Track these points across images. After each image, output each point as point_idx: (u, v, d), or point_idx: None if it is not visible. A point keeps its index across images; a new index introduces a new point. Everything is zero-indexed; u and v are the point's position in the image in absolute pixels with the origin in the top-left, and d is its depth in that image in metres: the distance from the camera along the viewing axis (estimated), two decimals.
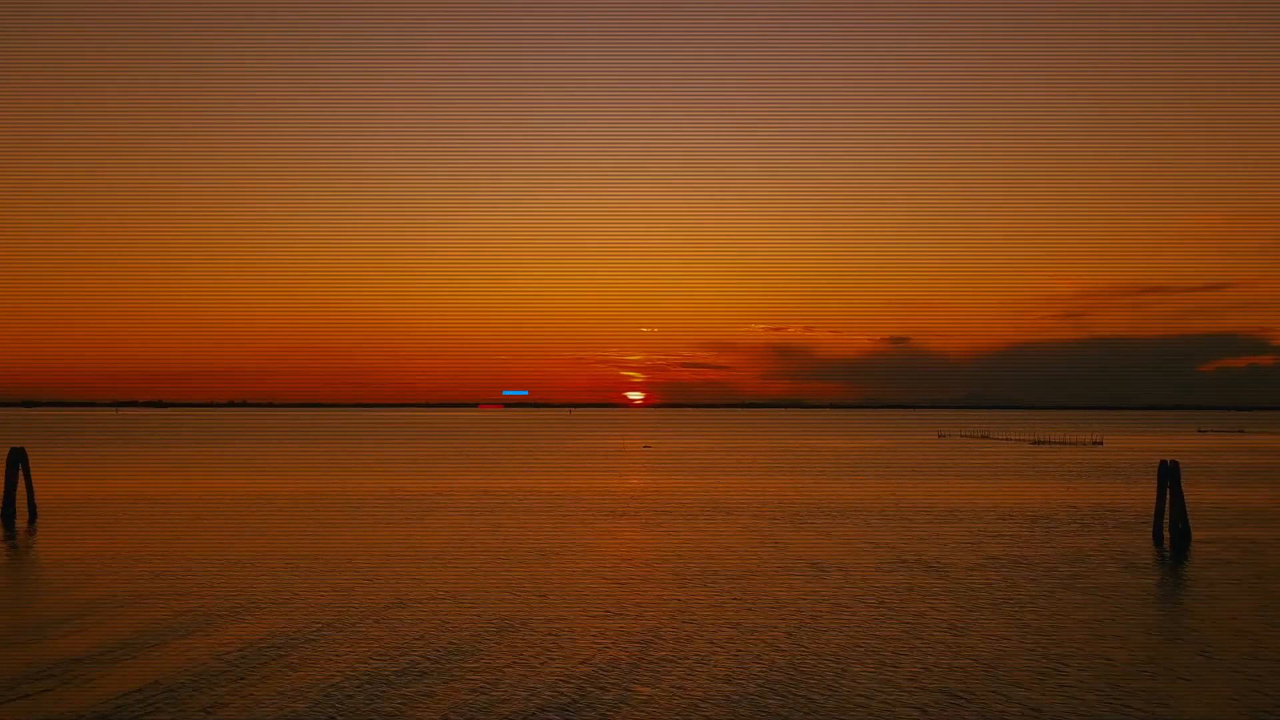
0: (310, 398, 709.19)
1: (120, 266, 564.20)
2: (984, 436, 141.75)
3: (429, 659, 18.15)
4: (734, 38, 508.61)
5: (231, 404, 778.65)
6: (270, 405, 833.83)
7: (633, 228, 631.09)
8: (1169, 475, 31.80)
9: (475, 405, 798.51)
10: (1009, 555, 30.61)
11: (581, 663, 17.90)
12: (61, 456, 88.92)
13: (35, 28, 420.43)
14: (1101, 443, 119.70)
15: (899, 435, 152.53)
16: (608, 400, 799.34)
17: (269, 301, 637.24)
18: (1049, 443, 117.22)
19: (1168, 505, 32.02)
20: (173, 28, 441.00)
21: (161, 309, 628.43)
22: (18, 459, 44.10)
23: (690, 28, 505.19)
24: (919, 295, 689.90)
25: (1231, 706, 15.52)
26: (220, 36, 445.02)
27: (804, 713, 15.03)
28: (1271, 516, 42.11)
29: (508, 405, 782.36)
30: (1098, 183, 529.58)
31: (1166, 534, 32.37)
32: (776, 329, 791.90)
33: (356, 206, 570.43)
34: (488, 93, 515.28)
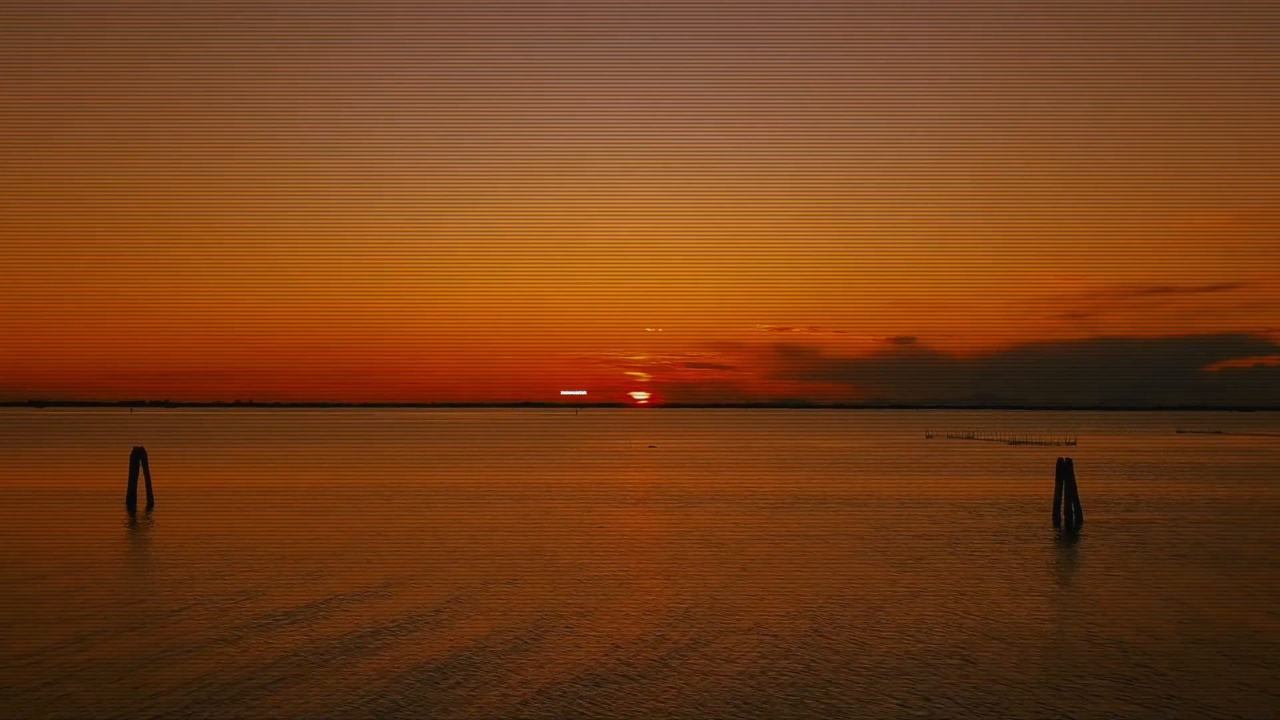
0: (315, 397, 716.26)
1: (125, 266, 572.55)
2: (969, 437, 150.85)
3: (535, 592, 27.30)
4: (739, 37, 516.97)
5: (238, 404, 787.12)
6: (276, 405, 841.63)
7: (637, 228, 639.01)
8: (1064, 471, 40.99)
9: (483, 405, 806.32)
10: (943, 529, 39.85)
11: (642, 593, 27.07)
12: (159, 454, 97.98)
13: (41, 27, 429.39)
14: (1075, 443, 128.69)
15: (890, 436, 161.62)
16: (612, 400, 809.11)
17: (274, 301, 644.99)
18: (1025, 443, 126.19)
19: (1064, 495, 41.18)
20: (179, 27, 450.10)
21: (166, 309, 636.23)
22: (138, 457, 53.22)
23: (696, 27, 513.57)
24: (924, 295, 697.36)
25: (1066, 615, 24.59)
26: (225, 37, 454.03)
27: (787, 619, 24.09)
28: (1157, 504, 51.30)
29: (514, 405, 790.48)
30: (1103, 183, 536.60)
31: (1063, 517, 41.44)
32: (781, 329, 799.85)
33: (362, 206, 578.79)
34: (493, 92, 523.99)
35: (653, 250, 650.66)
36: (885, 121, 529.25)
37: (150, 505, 49.83)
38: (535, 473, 73.61)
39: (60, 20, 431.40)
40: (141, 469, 52.82)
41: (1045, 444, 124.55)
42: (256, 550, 34.52)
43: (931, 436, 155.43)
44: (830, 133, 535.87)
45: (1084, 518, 42.82)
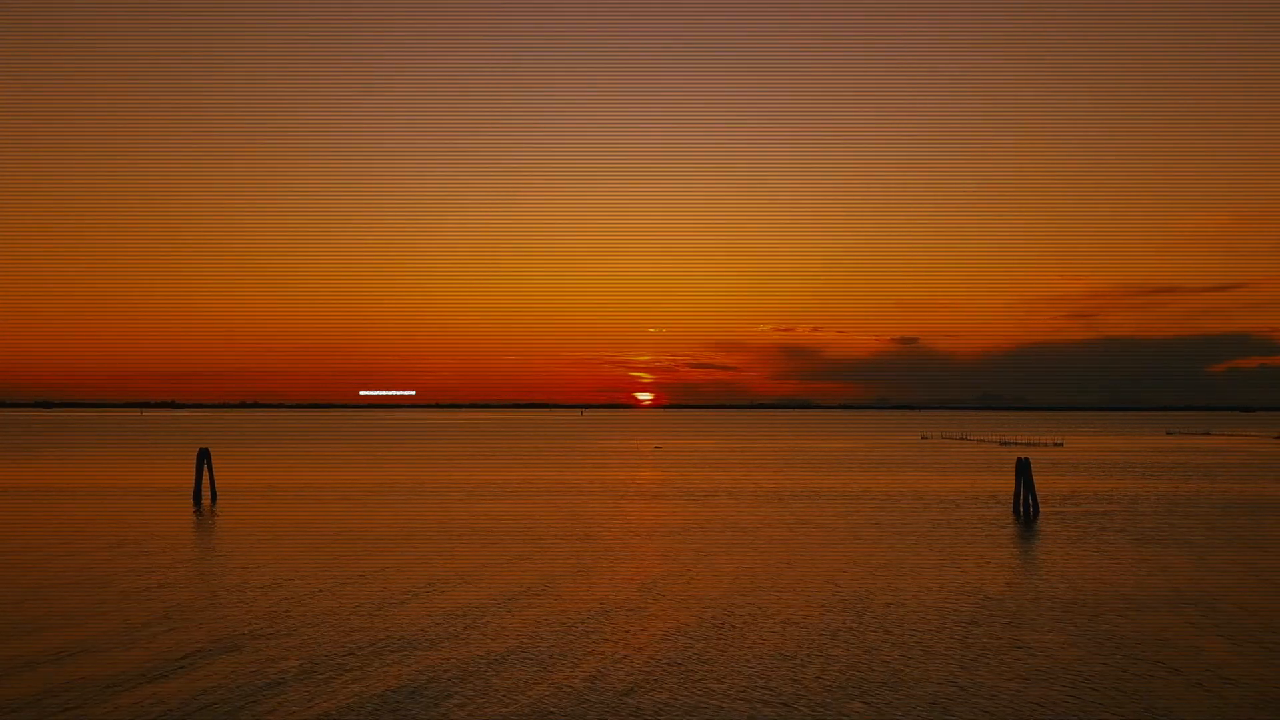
0: (319, 398, 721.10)
1: (128, 267, 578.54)
2: (962, 438, 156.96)
3: (596, 564, 33.45)
4: (742, 37, 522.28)
5: (243, 404, 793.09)
6: (281, 406, 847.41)
7: (641, 228, 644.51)
8: (1023, 469, 47.25)
9: (488, 406, 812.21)
10: (924, 518, 46.06)
11: (686, 565, 33.33)
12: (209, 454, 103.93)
13: (44, 29, 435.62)
14: (1062, 444, 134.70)
15: (888, 436, 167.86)
16: (616, 401, 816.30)
17: (276, 302, 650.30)
18: (1014, 444, 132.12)
19: (1022, 489, 47.39)
20: (181, 28, 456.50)
21: (169, 310, 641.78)
22: (203, 457, 59.38)
23: (699, 27, 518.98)
24: (927, 296, 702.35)
25: (1014, 578, 30.72)
26: (227, 38, 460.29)
27: (803, 582, 30.18)
28: (1116, 498, 57.40)
29: (519, 406, 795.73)
30: (1107, 182, 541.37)
31: (1022, 509, 47.63)
32: (785, 329, 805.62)
33: (365, 207, 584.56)
34: (497, 92, 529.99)
35: (656, 251, 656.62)
36: (888, 122, 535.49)
37: (214, 499, 55.85)
38: (555, 470, 79.93)
39: (64, 22, 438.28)
40: (206, 467, 59.11)
41: (1034, 444, 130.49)
42: (342, 536, 40.65)
43: (926, 438, 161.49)
44: (833, 133, 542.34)
45: (1040, 509, 48.97)
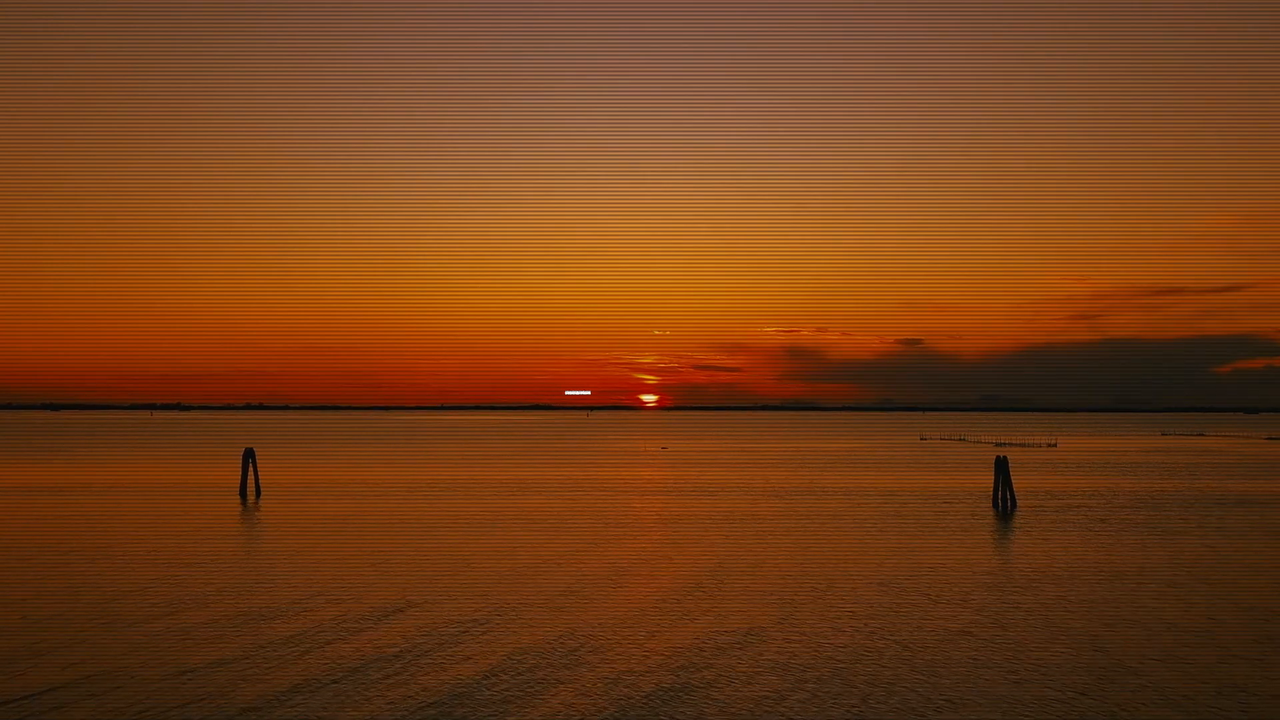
0: (324, 400, 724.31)
1: (129, 268, 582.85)
2: (960, 439, 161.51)
3: (636, 547, 38.17)
4: (745, 37, 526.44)
5: (248, 406, 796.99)
6: (287, 408, 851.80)
7: (645, 229, 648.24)
8: (1001, 466, 51.98)
9: (493, 408, 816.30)
10: (916, 512, 50.66)
11: (720, 546, 37.99)
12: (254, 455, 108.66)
13: (47, 29, 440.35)
14: (1056, 444, 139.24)
15: (888, 438, 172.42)
16: (621, 402, 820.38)
17: (280, 304, 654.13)
18: (1009, 445, 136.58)
19: (1001, 485, 52.13)
20: (181, 29, 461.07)
21: (173, 311, 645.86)
22: (248, 456, 64.23)
23: (701, 27, 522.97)
24: (932, 296, 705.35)
25: (994, 558, 35.40)
26: (229, 39, 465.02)
27: (819, 562, 34.81)
28: (1093, 494, 62.00)
29: (524, 408, 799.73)
30: (1113, 184, 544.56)
31: (1000, 504, 52.32)
32: (789, 330, 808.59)
33: (369, 208, 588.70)
34: (501, 93, 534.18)
35: (660, 252, 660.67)
36: (892, 122, 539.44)
37: (259, 495, 60.51)
38: (572, 469, 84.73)
39: (64, 22, 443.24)
40: (251, 465, 63.98)
41: (1028, 445, 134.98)
42: (403, 526, 45.15)
43: (925, 439, 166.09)
44: (837, 134, 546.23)
45: (1018, 504, 53.72)
